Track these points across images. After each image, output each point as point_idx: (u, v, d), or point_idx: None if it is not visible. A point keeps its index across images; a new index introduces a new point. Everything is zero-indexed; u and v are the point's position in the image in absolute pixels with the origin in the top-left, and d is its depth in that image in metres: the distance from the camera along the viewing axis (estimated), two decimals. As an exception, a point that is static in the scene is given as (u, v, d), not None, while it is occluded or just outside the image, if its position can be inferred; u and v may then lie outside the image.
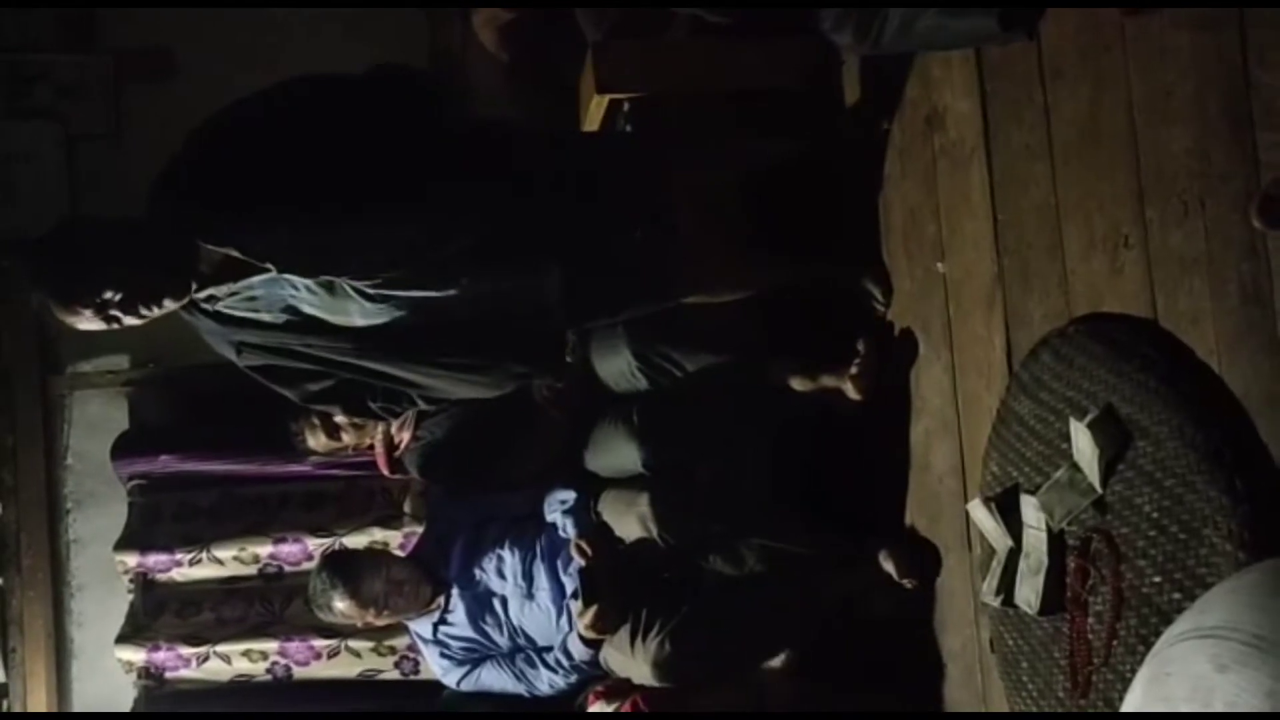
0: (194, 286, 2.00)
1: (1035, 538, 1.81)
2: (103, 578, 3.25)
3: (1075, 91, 1.80)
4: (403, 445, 3.05)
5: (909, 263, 2.39)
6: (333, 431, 3.13)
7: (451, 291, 2.08)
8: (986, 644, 2.07)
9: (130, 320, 1.94)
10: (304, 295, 2.07)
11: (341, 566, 2.78)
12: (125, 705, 3.16)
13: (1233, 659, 1.03)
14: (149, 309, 1.93)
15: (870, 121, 2.45)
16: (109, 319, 1.91)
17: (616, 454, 2.67)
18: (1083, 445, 1.68)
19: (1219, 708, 1.02)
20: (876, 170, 2.46)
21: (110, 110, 3.46)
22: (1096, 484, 1.67)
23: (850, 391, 2.46)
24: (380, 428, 3.03)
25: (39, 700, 3.25)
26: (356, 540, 3.15)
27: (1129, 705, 1.17)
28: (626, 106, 2.68)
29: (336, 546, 3.16)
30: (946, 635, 2.33)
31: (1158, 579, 1.56)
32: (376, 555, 2.99)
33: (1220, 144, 1.48)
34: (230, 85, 2.13)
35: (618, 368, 2.65)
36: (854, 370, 2.45)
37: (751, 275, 2.42)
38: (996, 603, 1.90)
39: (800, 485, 2.58)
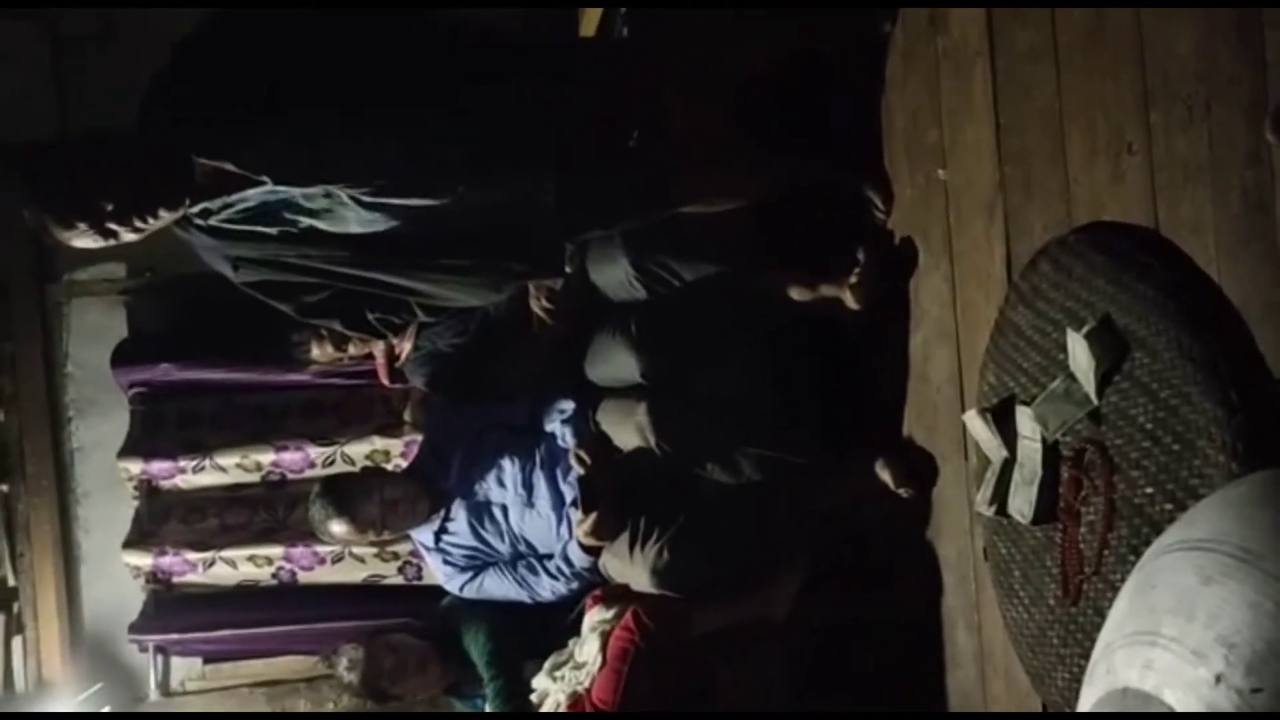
0: (188, 200, 1.99)
1: (1029, 448, 1.80)
2: (107, 484, 3.29)
3: (1081, -10, 1.75)
4: (403, 355, 3.05)
5: (910, 169, 2.34)
6: (340, 343, 3.12)
7: (446, 200, 2.05)
8: (980, 552, 2.07)
9: (126, 235, 1.94)
10: (300, 205, 2.05)
11: (335, 494, 2.77)
12: (135, 607, 3.23)
13: (1217, 571, 1.03)
14: (144, 221, 1.92)
15: (873, 22, 2.39)
16: (105, 233, 1.91)
17: (615, 364, 2.66)
18: (1079, 356, 1.66)
19: (1201, 620, 1.02)
20: (878, 73, 2.40)
21: (99, 10, 3.39)
22: (1092, 395, 1.66)
23: (849, 301, 2.44)
24: (382, 338, 3.02)
25: (49, 603, 3.32)
26: (358, 448, 3.17)
27: (1115, 614, 1.17)
28: (623, 11, 2.61)
29: (338, 455, 3.18)
30: (941, 543, 2.34)
31: (1150, 490, 1.55)
32: (369, 477, 3.00)
33: (1227, 45, 1.44)
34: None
35: (616, 278, 2.62)
36: (853, 279, 2.42)
37: (749, 181, 2.38)
38: (990, 512, 1.90)
39: (798, 394, 2.57)
